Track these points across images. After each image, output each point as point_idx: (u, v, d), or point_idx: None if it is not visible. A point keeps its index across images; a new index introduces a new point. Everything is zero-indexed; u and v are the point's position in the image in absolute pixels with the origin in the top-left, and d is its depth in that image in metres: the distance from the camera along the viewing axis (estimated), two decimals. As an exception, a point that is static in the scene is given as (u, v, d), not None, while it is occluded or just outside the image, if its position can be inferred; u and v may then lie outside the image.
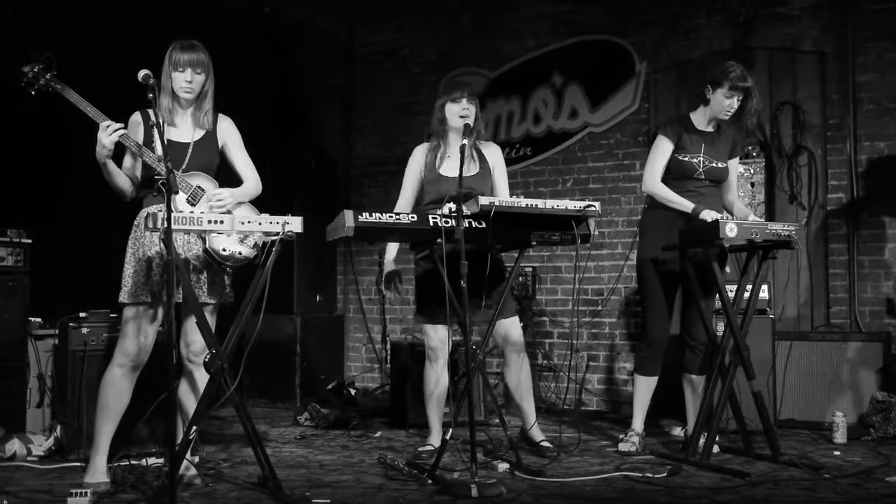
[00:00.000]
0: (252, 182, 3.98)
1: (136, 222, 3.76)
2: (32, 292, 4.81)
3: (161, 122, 3.51)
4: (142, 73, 3.56)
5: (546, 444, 4.53)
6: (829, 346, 5.32)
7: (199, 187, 3.76)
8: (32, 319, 4.82)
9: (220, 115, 3.96)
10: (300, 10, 7.27)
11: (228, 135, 3.99)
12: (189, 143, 3.82)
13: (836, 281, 5.86)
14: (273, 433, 5.26)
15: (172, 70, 3.76)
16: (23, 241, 4.81)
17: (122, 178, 3.73)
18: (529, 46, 6.92)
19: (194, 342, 3.81)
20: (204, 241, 3.70)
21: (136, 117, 3.79)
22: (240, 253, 3.77)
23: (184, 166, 3.76)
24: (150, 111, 3.70)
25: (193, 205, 3.72)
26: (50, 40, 3.59)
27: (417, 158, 4.62)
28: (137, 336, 3.70)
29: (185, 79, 3.75)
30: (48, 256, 4.92)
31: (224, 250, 3.74)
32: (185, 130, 3.84)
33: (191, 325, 3.80)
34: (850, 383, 5.25)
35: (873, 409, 4.98)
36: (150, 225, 3.42)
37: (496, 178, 4.61)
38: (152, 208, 3.68)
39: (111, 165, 3.66)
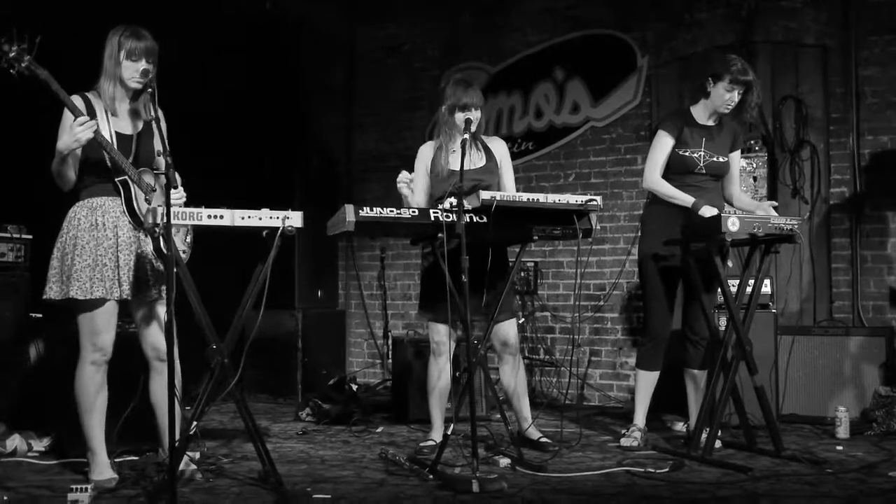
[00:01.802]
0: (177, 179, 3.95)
1: (72, 214, 3.66)
2: (33, 288, 4.80)
3: (158, 116, 3.49)
4: (141, 67, 3.57)
5: (545, 440, 4.52)
6: (831, 341, 5.31)
7: (150, 185, 3.68)
8: (33, 315, 4.81)
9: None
10: (301, 6, 7.26)
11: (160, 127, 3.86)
12: (132, 136, 3.73)
13: (839, 275, 5.85)
14: (274, 428, 5.25)
15: (125, 58, 3.62)
16: (23, 236, 4.81)
17: (73, 168, 3.62)
18: (531, 41, 6.91)
19: (160, 342, 3.69)
20: (158, 239, 3.63)
21: (79, 102, 3.62)
22: (184, 252, 3.81)
23: (130, 160, 3.66)
24: (91, 95, 3.65)
25: (149, 203, 3.64)
26: (38, 29, 3.51)
27: (424, 156, 4.60)
28: (108, 331, 3.66)
29: (141, 68, 3.62)
30: (49, 252, 4.91)
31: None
32: (126, 122, 3.73)
33: (153, 325, 3.75)
34: (852, 378, 5.24)
35: (876, 403, 4.97)
36: (151, 221, 3.40)
37: (503, 172, 4.61)
38: (97, 200, 3.64)
39: (73, 156, 3.56)
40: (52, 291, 3.65)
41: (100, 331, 3.64)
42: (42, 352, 4.64)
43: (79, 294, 3.57)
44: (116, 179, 3.62)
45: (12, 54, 3.37)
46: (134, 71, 3.62)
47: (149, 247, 3.67)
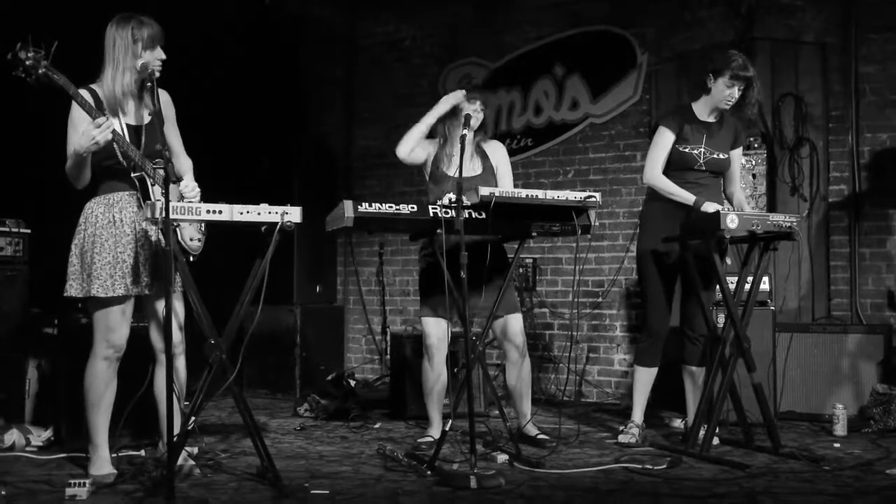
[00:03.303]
0: (189, 162, 3.95)
1: (88, 211, 3.65)
2: (32, 282, 4.80)
3: (160, 107, 3.48)
4: (140, 63, 3.56)
5: (543, 436, 4.53)
6: (829, 339, 5.31)
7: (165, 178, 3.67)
8: (32, 309, 4.81)
9: (160, 90, 3.73)
10: (301, 1, 7.25)
11: (168, 111, 3.83)
12: (141, 127, 3.69)
13: (838, 273, 5.85)
14: (272, 424, 5.26)
15: (144, 48, 3.58)
16: (22, 230, 4.80)
17: (89, 168, 3.59)
18: (531, 37, 6.90)
19: (170, 335, 3.62)
20: (175, 232, 3.59)
21: (87, 97, 3.54)
22: (199, 240, 3.81)
23: (140, 152, 3.62)
24: (97, 89, 3.60)
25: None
26: (37, 24, 3.49)
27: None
28: (123, 327, 3.65)
29: (159, 56, 3.60)
30: (48, 246, 4.91)
31: (191, 240, 3.74)
32: (134, 113, 3.70)
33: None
34: (850, 375, 5.24)
35: (874, 401, 4.98)
36: (149, 215, 3.39)
37: (500, 176, 4.62)
38: (114, 196, 3.63)
39: (89, 156, 3.52)
40: (73, 289, 3.64)
41: (115, 328, 3.64)
42: (45, 365, 4.64)
43: (100, 292, 3.56)
44: (133, 175, 3.59)
45: (29, 62, 3.28)
46: (156, 58, 3.60)
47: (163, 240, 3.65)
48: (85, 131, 3.41)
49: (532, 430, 4.59)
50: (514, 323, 4.53)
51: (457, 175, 4.06)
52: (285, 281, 6.56)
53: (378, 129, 7.50)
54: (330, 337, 7.11)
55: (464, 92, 4.57)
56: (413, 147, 4.54)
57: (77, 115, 3.53)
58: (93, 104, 3.52)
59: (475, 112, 4.48)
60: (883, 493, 3.49)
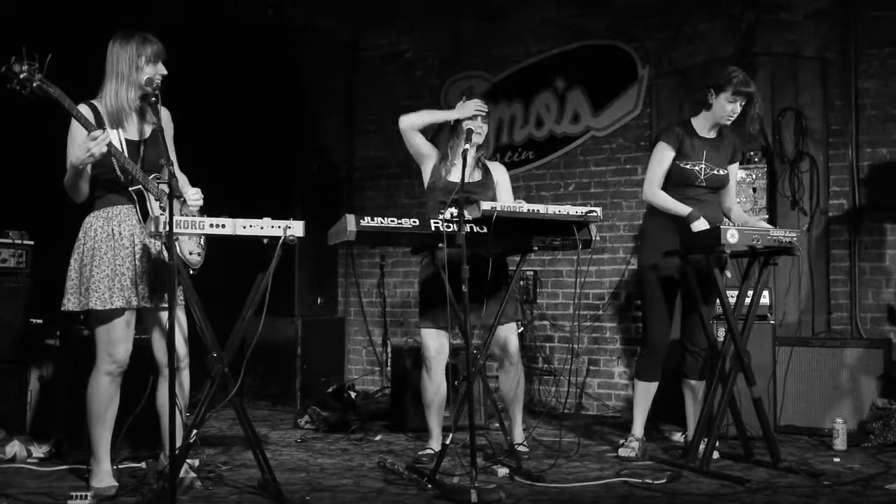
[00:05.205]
0: (184, 177, 3.94)
1: (87, 225, 3.66)
2: (34, 294, 4.81)
3: (161, 123, 3.51)
4: (144, 77, 3.58)
5: (522, 448, 4.55)
6: (829, 353, 5.32)
7: (165, 192, 3.62)
8: (34, 321, 4.82)
9: (161, 107, 3.71)
10: (303, 12, 7.28)
11: (166, 128, 3.80)
12: (139, 142, 3.70)
13: (837, 287, 5.86)
14: (273, 436, 5.26)
15: (147, 63, 3.61)
16: (25, 242, 4.82)
17: (87, 181, 3.62)
18: (532, 51, 6.93)
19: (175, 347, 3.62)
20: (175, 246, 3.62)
21: (87, 112, 3.57)
22: (199, 254, 3.82)
23: (138, 166, 3.63)
24: (97, 104, 3.62)
25: (164, 211, 3.59)
26: (35, 34, 3.50)
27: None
28: (125, 342, 3.66)
29: (162, 72, 3.65)
30: (51, 258, 4.92)
31: (190, 254, 3.76)
32: (133, 128, 3.71)
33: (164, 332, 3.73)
34: (850, 390, 5.25)
35: (873, 415, 4.98)
36: (152, 229, 3.41)
37: (500, 194, 4.64)
38: (113, 210, 3.63)
39: (87, 170, 3.56)
40: (70, 303, 3.65)
41: (117, 342, 3.63)
42: (47, 376, 4.64)
43: (98, 304, 3.57)
44: (131, 189, 3.61)
45: (23, 75, 3.29)
46: (158, 73, 3.64)
47: (164, 254, 3.66)
48: (81, 144, 3.44)
49: (518, 437, 4.61)
50: (511, 333, 4.57)
51: (458, 183, 4.07)
52: (286, 292, 6.57)
53: (379, 140, 7.52)
54: (331, 349, 7.11)
55: (477, 103, 4.57)
56: (419, 126, 4.56)
57: (76, 128, 3.56)
58: (91, 118, 3.54)
59: (478, 128, 4.51)
60: (882, 509, 3.50)
